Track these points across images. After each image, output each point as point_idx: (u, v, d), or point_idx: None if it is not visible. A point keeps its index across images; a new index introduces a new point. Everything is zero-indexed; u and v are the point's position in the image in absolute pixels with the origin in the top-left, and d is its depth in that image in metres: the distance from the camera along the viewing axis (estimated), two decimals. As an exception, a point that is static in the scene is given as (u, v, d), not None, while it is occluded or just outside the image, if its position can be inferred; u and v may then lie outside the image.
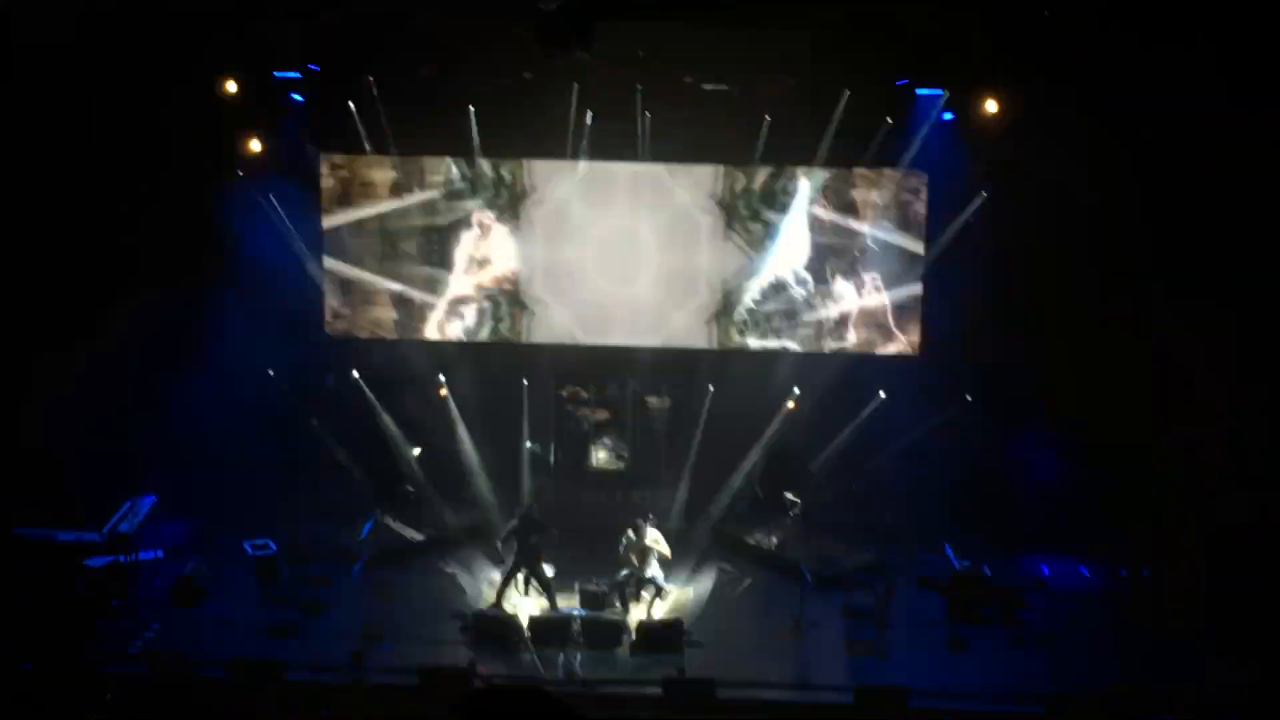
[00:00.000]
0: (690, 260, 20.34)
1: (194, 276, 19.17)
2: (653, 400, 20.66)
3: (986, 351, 19.74)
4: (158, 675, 14.84)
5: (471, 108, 19.67)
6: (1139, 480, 18.49)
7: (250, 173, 19.73)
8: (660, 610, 16.89)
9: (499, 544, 17.29)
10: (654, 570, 16.94)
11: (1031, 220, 18.93)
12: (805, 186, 20.09)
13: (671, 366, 20.86)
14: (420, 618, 17.05)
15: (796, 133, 19.53)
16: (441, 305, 20.64)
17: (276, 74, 19.50)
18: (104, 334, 18.37)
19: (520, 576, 16.99)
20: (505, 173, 20.32)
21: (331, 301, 20.66)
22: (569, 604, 17.01)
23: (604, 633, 16.46)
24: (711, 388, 20.27)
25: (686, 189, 20.19)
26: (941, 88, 19.22)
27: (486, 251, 20.46)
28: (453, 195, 20.37)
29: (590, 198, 20.27)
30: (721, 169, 20.15)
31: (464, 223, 20.40)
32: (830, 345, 20.43)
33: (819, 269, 20.25)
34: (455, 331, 20.72)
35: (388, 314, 20.75)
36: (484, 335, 20.72)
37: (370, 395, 20.41)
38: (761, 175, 20.13)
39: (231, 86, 19.16)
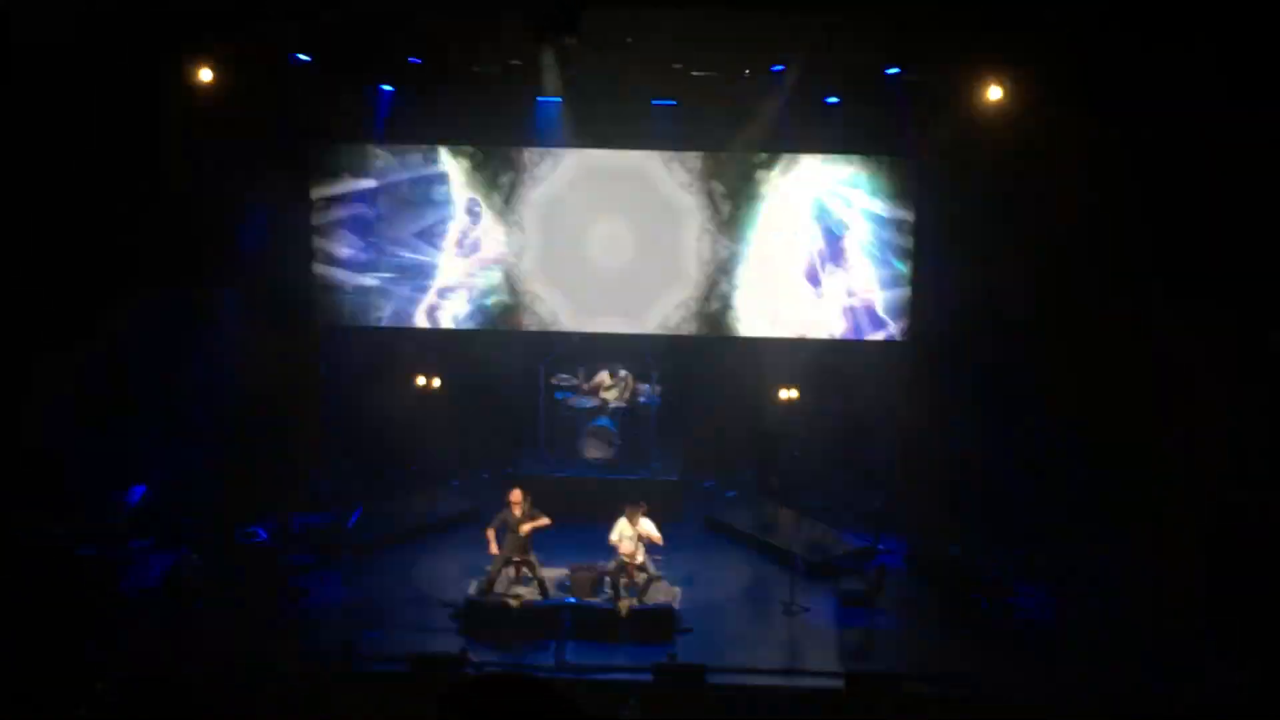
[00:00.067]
0: (680, 247, 20.35)
1: (188, 267, 19.12)
2: (643, 387, 20.65)
3: (976, 339, 19.78)
4: (148, 667, 14.82)
5: (461, 96, 19.62)
6: (1135, 477, 18.53)
7: (240, 159, 19.66)
8: (651, 597, 16.89)
9: (489, 531, 17.27)
10: (644, 557, 16.94)
11: (1025, 208, 18.94)
12: (796, 174, 20.09)
13: (662, 354, 20.86)
14: (411, 606, 17.06)
15: (787, 119, 19.50)
16: (431, 293, 20.62)
17: (270, 66, 19.41)
18: (102, 331, 18.34)
19: (511, 564, 16.98)
20: (494, 160, 20.29)
21: (323, 291, 20.61)
22: (559, 591, 17.01)
23: (594, 620, 16.47)
24: (702, 375, 20.26)
25: (676, 176, 20.18)
26: (933, 74, 19.17)
27: (476, 239, 20.44)
28: (442, 183, 20.33)
29: (579, 185, 20.26)
30: (711, 156, 20.14)
31: (454, 210, 20.37)
32: (820, 332, 20.43)
33: (809, 256, 20.25)
34: (445, 319, 20.71)
35: (378, 302, 20.72)
36: (473, 323, 20.71)
37: (360, 384, 20.38)
38: (751, 162, 20.12)
39: (225, 79, 19.09)
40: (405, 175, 20.34)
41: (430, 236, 20.47)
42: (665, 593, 17.22)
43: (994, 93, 18.72)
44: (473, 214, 20.38)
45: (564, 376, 20.77)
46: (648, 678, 15.13)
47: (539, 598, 16.78)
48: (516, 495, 17.07)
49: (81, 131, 18.39)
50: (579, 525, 18.06)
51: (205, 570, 17.58)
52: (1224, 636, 16.19)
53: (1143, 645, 16.04)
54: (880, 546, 18.34)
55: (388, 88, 19.75)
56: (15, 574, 16.79)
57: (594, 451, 20.04)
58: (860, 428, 19.93)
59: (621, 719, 13.54)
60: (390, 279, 20.61)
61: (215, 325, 19.27)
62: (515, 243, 20.43)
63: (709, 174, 20.17)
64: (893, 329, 20.32)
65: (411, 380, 20.37)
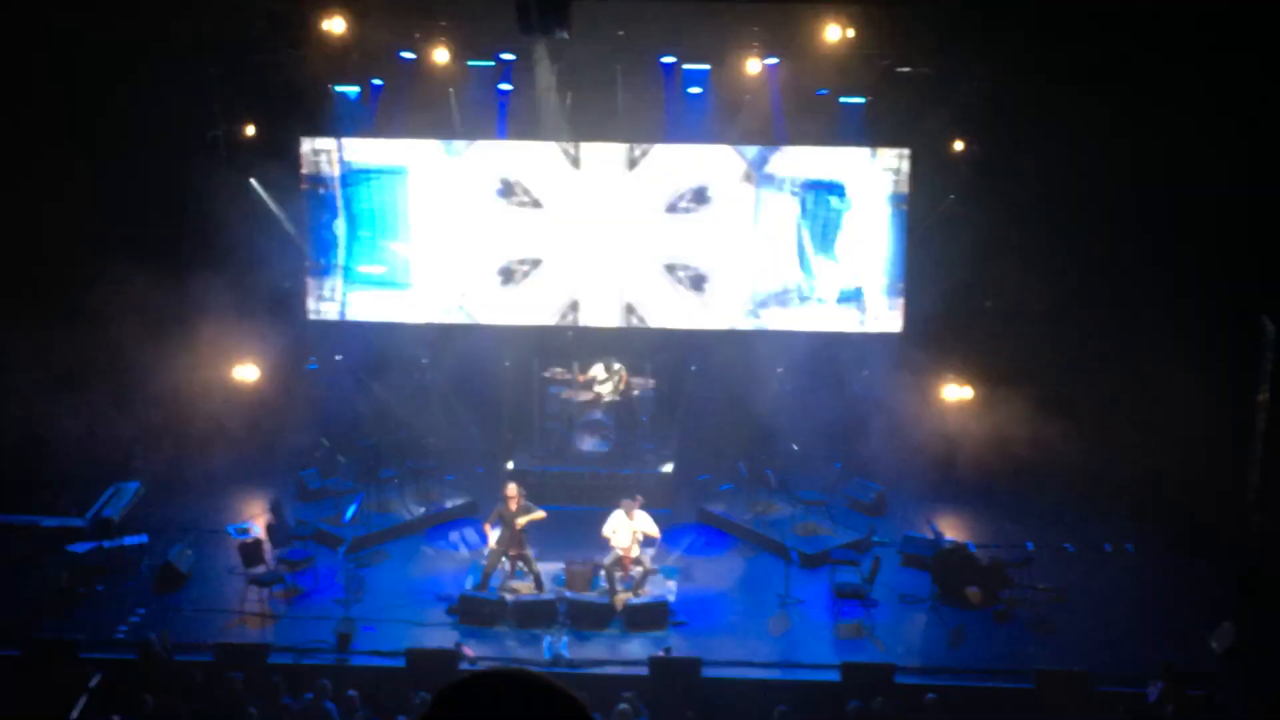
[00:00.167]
0: (673, 240, 20.32)
1: (178, 260, 19.09)
2: (637, 380, 20.64)
3: (970, 328, 19.82)
4: (143, 659, 14.82)
5: (452, 89, 19.60)
6: (1120, 460, 18.60)
7: (233, 155, 19.65)
8: (646, 591, 16.89)
9: (485, 526, 17.27)
10: (640, 551, 16.94)
11: (1015, 199, 18.95)
12: (788, 165, 20.07)
13: (655, 347, 20.84)
14: (406, 600, 17.05)
15: (780, 111, 19.48)
16: (424, 287, 20.60)
17: (260, 58, 19.37)
18: (87, 316, 18.30)
19: (506, 558, 16.98)
20: (488, 153, 20.26)
21: (314, 284, 20.59)
22: (555, 585, 17.01)
23: (590, 614, 16.47)
24: (694, 367, 20.25)
25: (668, 169, 20.15)
26: (924, 66, 19.16)
27: (469, 234, 20.40)
28: (434, 176, 20.30)
29: (572, 178, 20.21)
30: (703, 148, 20.11)
31: (444, 204, 20.33)
32: (813, 323, 20.43)
33: (803, 248, 20.24)
34: (438, 313, 20.68)
35: (368, 295, 20.69)
36: (465, 317, 20.68)
37: (353, 377, 20.36)
38: (744, 154, 20.09)
39: (217, 70, 19.08)
40: (396, 168, 20.29)
41: (423, 230, 20.43)
42: (660, 586, 17.22)
43: (981, 75, 18.74)
44: (464, 209, 20.33)
45: (558, 370, 20.76)
46: (644, 671, 15.15)
47: (534, 591, 16.78)
48: (512, 489, 17.07)
49: (65, 116, 18.43)
50: (574, 519, 18.06)
51: (198, 564, 17.60)
52: (1206, 608, 16.36)
53: (1142, 631, 16.12)
54: (875, 538, 18.33)
55: (377, 82, 19.70)
56: (7, 565, 16.81)
57: (588, 445, 20.03)
58: (854, 419, 19.92)
59: (618, 712, 13.55)
60: (381, 273, 20.58)
61: (207, 316, 19.22)
62: (508, 236, 20.38)
63: (701, 166, 20.13)
64: (887, 320, 20.31)
65: (406, 373, 20.40)
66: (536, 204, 20.29)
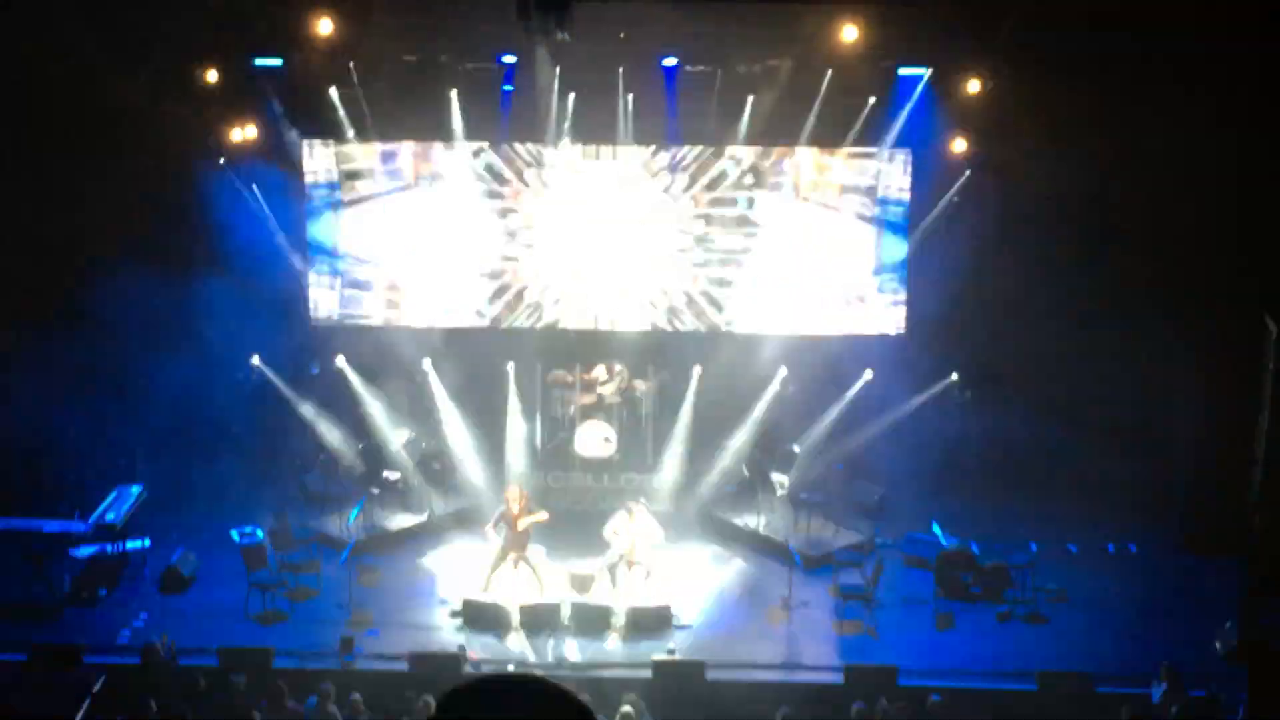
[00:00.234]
0: (675, 242, 20.32)
1: (180, 265, 19.10)
2: (639, 383, 20.64)
3: (971, 330, 19.82)
4: (147, 664, 14.82)
5: (453, 92, 19.60)
6: (1120, 458, 18.59)
7: (233, 160, 19.66)
8: (649, 593, 16.89)
9: (488, 529, 17.27)
10: (643, 553, 16.94)
11: (1016, 199, 18.95)
12: (790, 168, 20.07)
13: (658, 349, 20.84)
14: (409, 603, 17.06)
15: (780, 114, 19.49)
16: (425, 290, 20.60)
17: (257, 61, 19.37)
18: (90, 321, 18.32)
19: (509, 561, 16.98)
20: (487, 156, 20.26)
21: (315, 288, 20.59)
22: (558, 589, 17.00)
23: (593, 617, 16.47)
24: (698, 370, 20.26)
25: (670, 171, 20.15)
26: (926, 67, 19.16)
27: (471, 236, 20.40)
28: (436, 179, 20.30)
29: (573, 181, 20.21)
30: (705, 151, 20.11)
31: (446, 207, 20.33)
32: (815, 326, 20.42)
33: (803, 249, 20.23)
34: (439, 316, 20.68)
35: (371, 299, 20.69)
36: (468, 320, 20.68)
37: (356, 382, 20.37)
38: (745, 157, 20.09)
39: (212, 75, 19.08)
40: (399, 171, 20.30)
41: (424, 233, 20.43)
42: (663, 589, 17.22)
43: (981, 77, 18.74)
44: (466, 211, 20.33)
45: (560, 373, 20.75)
46: (647, 674, 15.15)
47: (537, 595, 16.78)
48: (514, 492, 17.08)
49: (65, 119, 18.44)
50: (577, 522, 18.06)
51: (201, 568, 17.61)
52: (1209, 609, 16.37)
53: (1144, 631, 16.12)
54: (878, 540, 18.33)
55: (376, 82, 19.69)
56: (9, 570, 16.81)
57: (591, 448, 20.03)
58: (857, 421, 19.93)
59: (622, 715, 13.54)
60: (383, 276, 20.59)
61: (204, 319, 19.24)
62: (510, 239, 20.39)
63: (703, 169, 20.14)
64: (888, 321, 20.30)
65: (409, 377, 20.42)
66: (539, 206, 20.29)
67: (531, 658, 15.82)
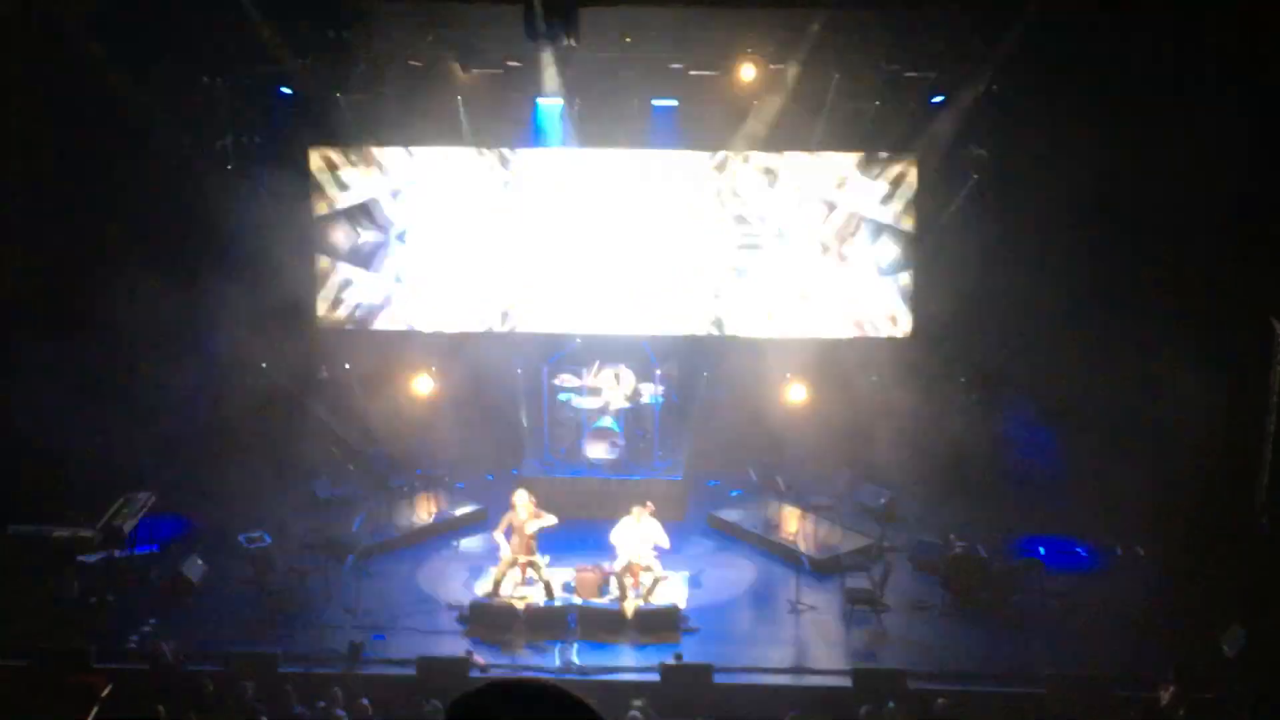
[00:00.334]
0: (683, 247, 20.32)
1: (188, 271, 19.15)
2: (647, 387, 20.64)
3: (980, 334, 19.81)
4: (154, 669, 14.84)
5: (459, 97, 19.63)
6: (1128, 461, 18.58)
7: (241, 165, 19.70)
8: (657, 597, 16.89)
9: (496, 533, 17.27)
10: (650, 557, 16.93)
11: (1022, 202, 18.95)
12: (796, 171, 20.07)
13: (666, 353, 20.83)
14: (416, 608, 17.06)
15: (787, 118, 19.49)
16: (433, 294, 20.62)
17: (265, 67, 19.41)
18: (99, 327, 18.36)
19: (517, 566, 16.98)
20: (494, 160, 20.28)
21: (323, 293, 20.62)
22: (565, 592, 17.00)
23: (601, 621, 16.47)
24: (705, 374, 20.25)
25: (677, 175, 20.16)
26: (933, 71, 19.16)
27: (478, 240, 20.42)
28: (443, 184, 20.32)
29: (582, 186, 20.23)
30: (711, 155, 20.12)
31: (452, 211, 20.36)
32: (822, 329, 20.41)
33: (811, 253, 20.24)
34: (447, 321, 20.70)
35: (379, 304, 20.71)
36: (475, 324, 20.70)
37: (363, 386, 20.40)
38: (752, 161, 20.09)
39: (221, 81, 19.13)
40: (406, 175, 20.33)
41: (432, 238, 20.46)
42: (671, 593, 17.21)
43: (985, 81, 18.75)
44: (474, 216, 20.36)
45: (567, 377, 20.76)
46: (655, 677, 15.14)
47: (545, 599, 16.78)
48: (521, 497, 17.08)
49: (75, 126, 18.49)
50: (584, 526, 18.06)
51: (210, 573, 17.62)
52: (1216, 612, 16.36)
53: (1152, 634, 16.10)
54: (886, 543, 18.32)
55: (382, 87, 19.71)
56: (19, 576, 16.82)
57: (598, 452, 20.03)
58: (864, 424, 19.92)
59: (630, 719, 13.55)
60: (391, 281, 20.62)
61: (213, 324, 19.29)
62: (517, 243, 20.40)
63: (710, 173, 20.14)
64: (897, 325, 20.30)
65: (415, 382, 20.44)
66: (546, 210, 20.31)
67: (539, 662, 15.81)
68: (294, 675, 15.06)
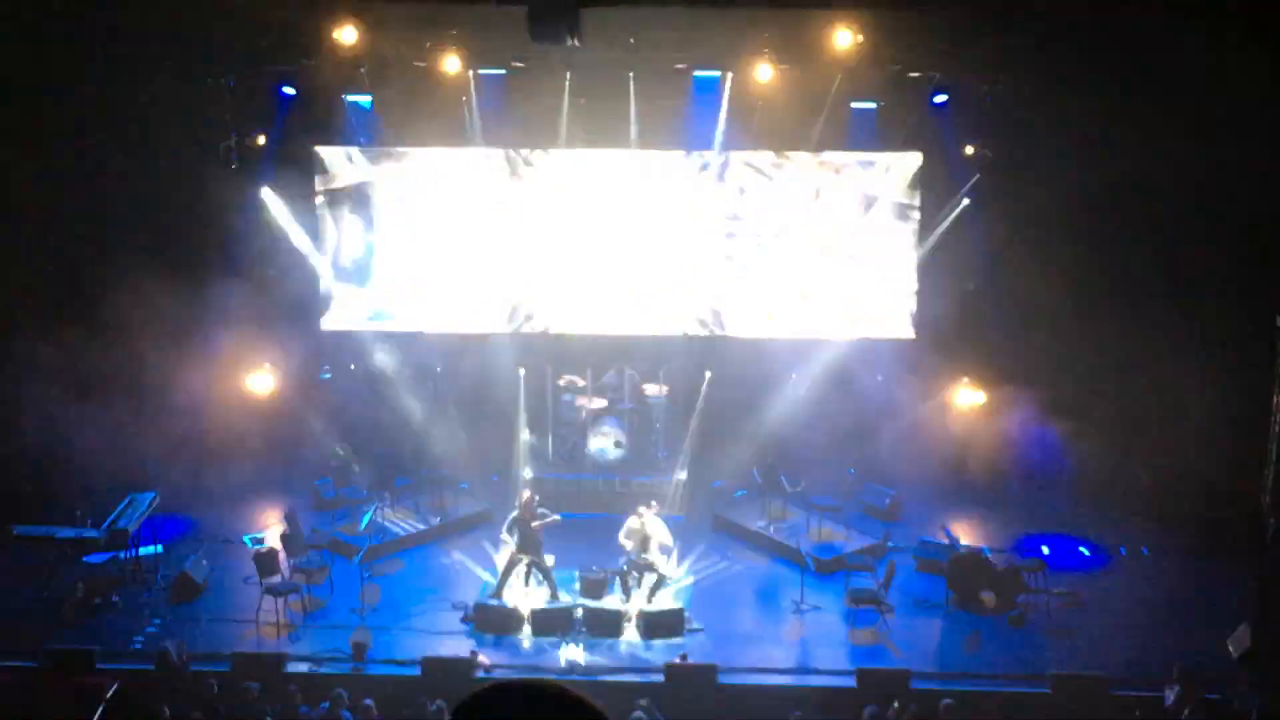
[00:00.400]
0: (686, 247, 20.32)
1: (193, 271, 19.16)
2: (650, 388, 20.64)
3: (982, 332, 19.81)
4: (160, 670, 14.85)
5: (464, 98, 19.64)
6: (1132, 461, 18.59)
7: (247, 166, 19.71)
8: (661, 597, 16.89)
9: (501, 533, 17.29)
10: (655, 557, 16.93)
11: (1025, 200, 18.94)
12: (798, 171, 20.07)
13: (668, 354, 20.84)
14: (421, 608, 17.07)
15: (790, 118, 19.48)
16: (438, 295, 20.62)
17: (271, 68, 19.41)
18: (103, 327, 18.37)
19: (522, 566, 16.99)
20: (499, 161, 20.28)
21: (328, 293, 20.64)
22: (570, 593, 17.00)
23: (605, 621, 16.47)
24: (709, 374, 20.26)
25: (681, 175, 20.16)
26: (935, 70, 19.15)
27: (483, 241, 20.42)
28: (447, 185, 20.32)
29: (585, 186, 20.23)
30: (715, 155, 20.10)
31: (457, 212, 20.36)
32: (826, 329, 20.40)
33: (814, 253, 20.23)
34: (452, 321, 20.70)
35: (384, 304, 20.72)
36: (480, 325, 20.70)
37: (367, 386, 20.41)
38: (754, 161, 20.09)
39: (226, 82, 19.15)
40: (411, 176, 20.33)
41: (434, 238, 20.46)
42: (675, 592, 17.21)
43: (989, 80, 18.74)
44: (478, 216, 20.36)
45: (572, 378, 20.77)
46: (659, 678, 15.14)
47: (550, 599, 16.78)
48: (526, 497, 17.10)
49: (80, 127, 18.53)
50: (589, 526, 18.06)
51: (214, 574, 17.64)
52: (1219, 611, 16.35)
53: (1157, 634, 16.10)
54: (889, 543, 18.32)
55: (389, 91, 19.71)
56: (23, 577, 16.84)
57: (602, 452, 20.03)
58: (868, 425, 19.92)
59: None
60: (396, 280, 20.63)
61: (218, 324, 19.31)
62: (521, 244, 20.40)
63: (713, 173, 20.14)
64: (899, 325, 20.29)
65: (420, 382, 20.45)
66: (550, 211, 20.31)
67: (544, 662, 15.81)
68: (299, 675, 15.08)
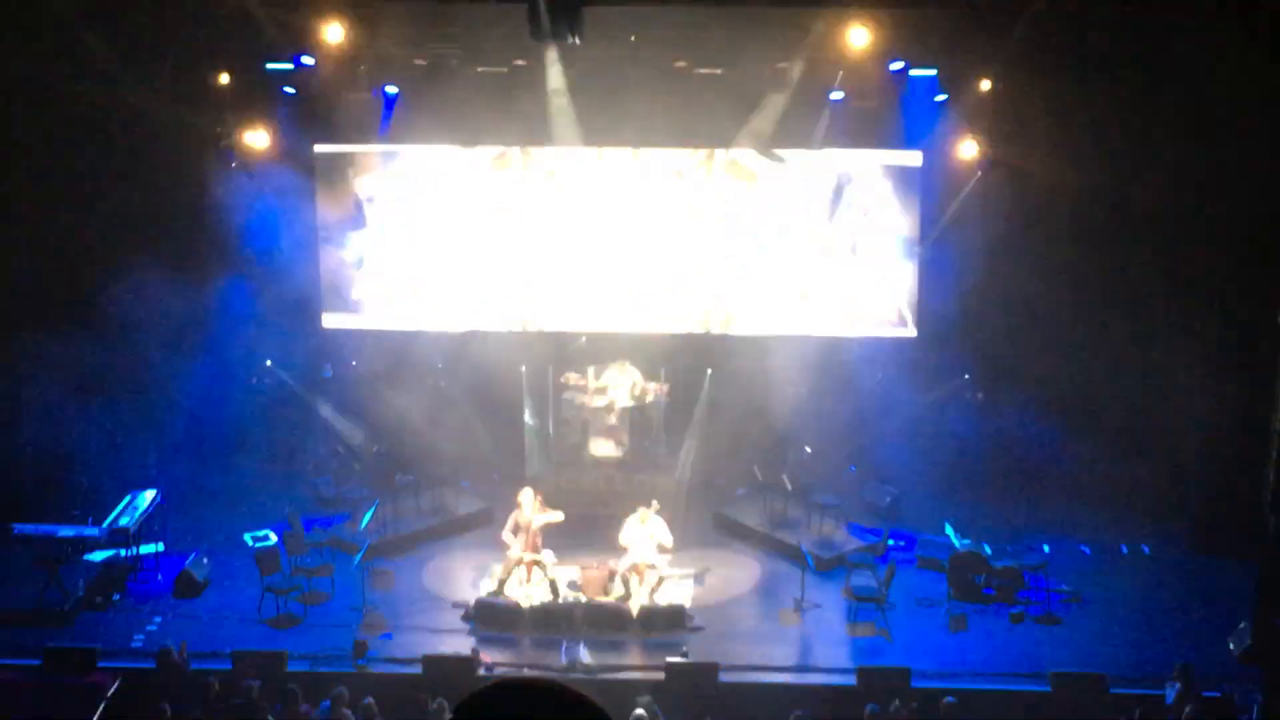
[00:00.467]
0: (687, 245, 20.30)
1: (194, 269, 19.18)
2: (651, 385, 20.64)
3: (983, 330, 19.80)
4: (161, 668, 14.87)
5: (464, 95, 19.63)
6: (1133, 459, 18.59)
7: (247, 164, 19.71)
8: (662, 595, 16.90)
9: (503, 532, 17.29)
10: (655, 555, 16.95)
11: (1027, 199, 18.94)
12: (800, 169, 20.06)
13: (669, 351, 20.82)
14: (422, 606, 17.08)
15: (791, 115, 19.47)
16: (438, 293, 20.61)
17: (269, 66, 19.41)
18: (105, 326, 18.39)
19: (523, 564, 17.00)
20: (498, 159, 20.27)
21: (329, 291, 20.63)
22: (570, 591, 17.01)
23: (606, 619, 16.48)
24: (709, 372, 20.26)
25: (681, 173, 20.15)
26: (935, 68, 19.14)
27: (483, 239, 20.41)
28: (447, 183, 20.32)
29: (586, 183, 20.22)
30: (716, 153, 20.10)
31: (457, 210, 20.36)
32: (826, 327, 20.39)
33: (815, 251, 20.22)
34: (452, 319, 20.69)
35: (384, 302, 20.71)
36: (481, 323, 20.69)
37: (368, 385, 20.42)
38: (756, 159, 20.08)
39: (225, 80, 19.14)
40: (411, 175, 20.33)
41: (434, 236, 20.46)
42: (676, 591, 17.22)
43: (992, 78, 18.72)
44: (476, 214, 20.35)
45: (573, 376, 20.77)
46: (660, 676, 15.16)
47: (550, 597, 16.79)
48: (527, 495, 17.10)
49: (80, 124, 18.54)
50: (589, 524, 18.07)
51: (215, 572, 17.65)
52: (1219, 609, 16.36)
53: (1158, 632, 16.11)
54: (890, 542, 18.33)
55: (393, 90, 19.70)
56: (25, 575, 16.85)
57: (603, 451, 20.04)
58: (869, 423, 19.93)
59: (635, 717, 13.55)
60: (396, 279, 20.62)
61: (219, 322, 19.33)
62: (521, 241, 20.39)
63: (714, 171, 20.13)
64: (900, 324, 20.28)
65: (420, 380, 20.44)
66: (551, 209, 20.30)
67: (544, 660, 15.82)
68: (300, 674, 15.09)
